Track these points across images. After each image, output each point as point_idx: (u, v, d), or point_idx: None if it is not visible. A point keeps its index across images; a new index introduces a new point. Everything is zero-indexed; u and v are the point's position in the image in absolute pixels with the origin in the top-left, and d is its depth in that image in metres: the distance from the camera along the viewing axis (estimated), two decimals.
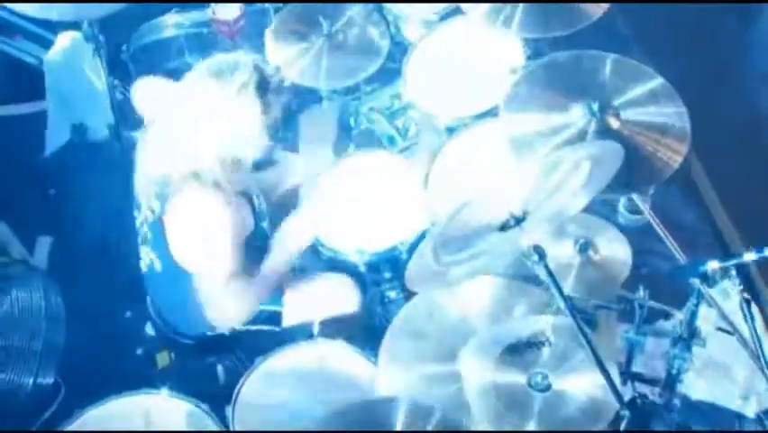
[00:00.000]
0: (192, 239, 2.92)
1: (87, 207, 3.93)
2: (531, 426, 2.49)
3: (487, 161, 3.31)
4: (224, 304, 2.97)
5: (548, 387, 2.55)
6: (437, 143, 3.46)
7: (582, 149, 2.66)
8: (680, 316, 2.79)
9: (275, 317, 3.22)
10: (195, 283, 2.96)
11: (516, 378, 2.57)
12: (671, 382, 2.91)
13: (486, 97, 3.47)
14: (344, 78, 3.74)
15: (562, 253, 3.01)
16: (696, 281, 2.60)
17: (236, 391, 2.95)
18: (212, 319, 3.05)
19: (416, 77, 3.70)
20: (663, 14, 4.25)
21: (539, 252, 2.43)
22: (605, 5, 3.40)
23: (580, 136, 2.94)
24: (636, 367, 3.09)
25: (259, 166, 2.94)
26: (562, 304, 2.42)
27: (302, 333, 3.16)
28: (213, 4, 3.87)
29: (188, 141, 2.81)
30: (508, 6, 3.42)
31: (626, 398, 2.57)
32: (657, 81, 3.05)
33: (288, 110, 2.88)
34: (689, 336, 2.77)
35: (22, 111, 4.34)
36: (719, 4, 4.17)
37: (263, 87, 2.79)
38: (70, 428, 2.87)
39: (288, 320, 3.23)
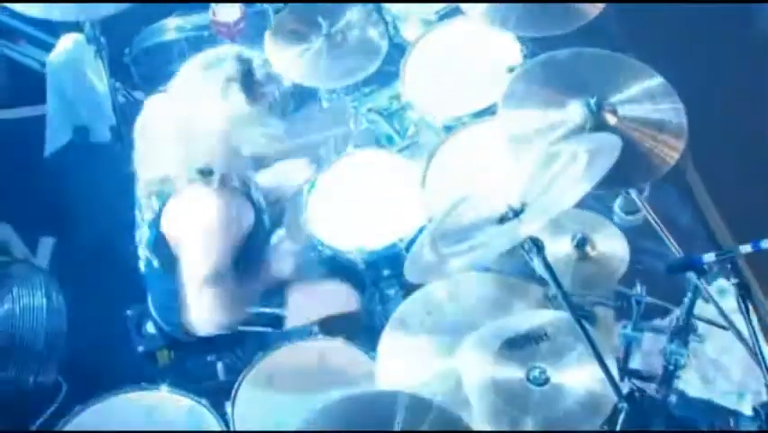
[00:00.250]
0: (187, 239, 2.91)
1: (90, 208, 3.95)
2: (529, 420, 2.50)
3: (485, 158, 3.33)
4: (199, 309, 2.90)
5: (546, 381, 2.56)
6: (436, 142, 3.48)
7: (579, 141, 2.67)
8: (677, 312, 2.80)
9: (276, 320, 3.23)
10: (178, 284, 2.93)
11: (515, 372, 2.58)
12: (667, 377, 2.92)
13: (483, 96, 3.48)
14: (344, 79, 3.75)
15: (560, 248, 3.00)
16: (692, 276, 2.61)
17: (236, 387, 2.96)
18: (186, 322, 2.97)
19: (415, 76, 3.71)
20: (659, 15, 4.25)
21: (537, 244, 2.44)
22: (600, 5, 3.41)
23: (578, 133, 2.94)
24: (634, 364, 3.10)
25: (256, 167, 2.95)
26: (559, 296, 2.43)
27: (303, 335, 3.17)
28: (213, 6, 3.89)
29: (185, 137, 2.82)
30: (506, 6, 3.43)
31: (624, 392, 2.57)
32: (654, 78, 3.05)
33: (287, 96, 2.89)
34: (686, 332, 2.78)
35: (25, 114, 4.36)
36: (720, 4, 4.18)
37: (249, 77, 2.79)
38: (71, 425, 2.89)
39: (291, 323, 3.23)
